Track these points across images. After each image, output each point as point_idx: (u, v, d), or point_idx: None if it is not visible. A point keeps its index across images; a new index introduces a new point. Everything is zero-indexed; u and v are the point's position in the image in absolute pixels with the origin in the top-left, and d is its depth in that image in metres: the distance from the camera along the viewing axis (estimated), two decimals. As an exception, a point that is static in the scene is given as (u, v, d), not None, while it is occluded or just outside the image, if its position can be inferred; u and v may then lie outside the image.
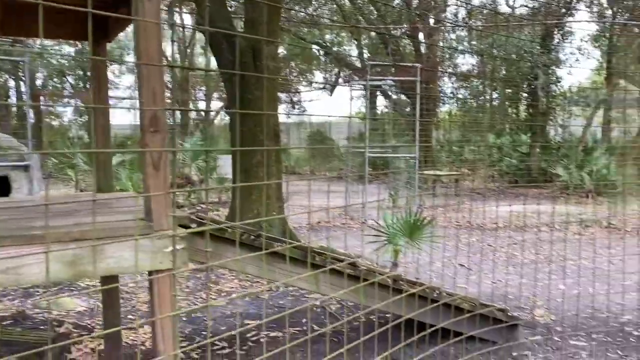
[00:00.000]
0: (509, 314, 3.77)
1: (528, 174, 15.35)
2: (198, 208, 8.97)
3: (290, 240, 3.06)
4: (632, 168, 13.04)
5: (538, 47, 16.26)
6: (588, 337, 3.95)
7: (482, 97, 22.00)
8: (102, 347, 3.61)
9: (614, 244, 6.95)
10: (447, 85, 21.26)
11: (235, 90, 6.18)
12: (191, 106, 21.63)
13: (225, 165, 12.73)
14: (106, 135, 3.47)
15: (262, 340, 3.92)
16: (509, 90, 19.86)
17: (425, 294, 3.23)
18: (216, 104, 24.00)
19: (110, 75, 22.03)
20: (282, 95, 22.31)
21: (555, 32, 16.90)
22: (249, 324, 4.37)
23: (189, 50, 21.94)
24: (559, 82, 17.46)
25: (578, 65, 17.62)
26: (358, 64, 20.62)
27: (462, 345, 3.51)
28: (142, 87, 1.95)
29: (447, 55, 21.10)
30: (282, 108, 24.12)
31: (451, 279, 5.33)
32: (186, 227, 2.53)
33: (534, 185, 14.84)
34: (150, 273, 2.03)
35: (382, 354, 2.84)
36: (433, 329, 3.08)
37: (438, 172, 14.38)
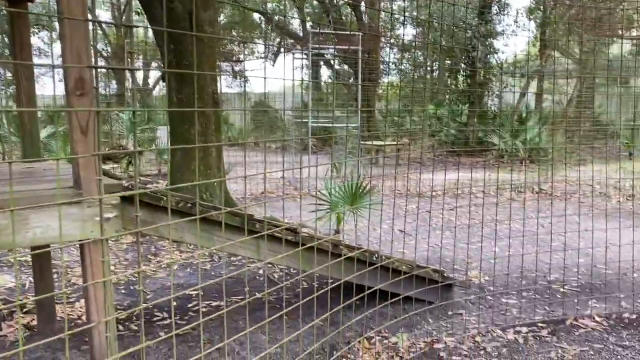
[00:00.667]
0: (444, 274, 3.91)
1: (466, 143, 15.84)
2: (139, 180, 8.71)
3: (227, 208, 3.03)
4: (562, 136, 13.68)
5: (476, 19, 16.60)
6: (518, 295, 4.17)
7: (423, 68, 22.32)
8: (35, 322, 3.49)
9: (544, 208, 7.31)
10: (389, 55, 21.42)
11: (171, 56, 5.97)
12: (128, 77, 20.79)
13: (164, 136, 12.39)
14: (32, 101, 3.29)
15: (203, 310, 3.90)
16: (449, 61, 20.28)
17: (364, 258, 3.29)
18: (156, 74, 23.21)
19: (39, 43, 20.80)
20: (223, 65, 21.81)
21: (493, 4, 17.30)
22: (190, 294, 4.33)
23: (124, 17, 20.99)
24: (496, 53, 17.99)
25: (514, 37, 18.14)
26: (300, 33, 20.40)
27: (400, 306, 3.63)
28: (66, 48, 1.84)
29: (389, 26, 21.19)
30: (223, 79, 23.62)
31: (391, 244, 5.47)
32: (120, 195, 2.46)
33: (471, 150, 15.31)
34: (81, 242, 1.96)
35: (322, 317, 2.89)
36: (371, 290, 3.16)
37: (380, 142, 14.59)
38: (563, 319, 3.61)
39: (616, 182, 9.01)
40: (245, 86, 23.88)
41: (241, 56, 22.36)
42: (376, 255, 3.39)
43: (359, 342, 3.26)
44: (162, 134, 12.47)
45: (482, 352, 3.10)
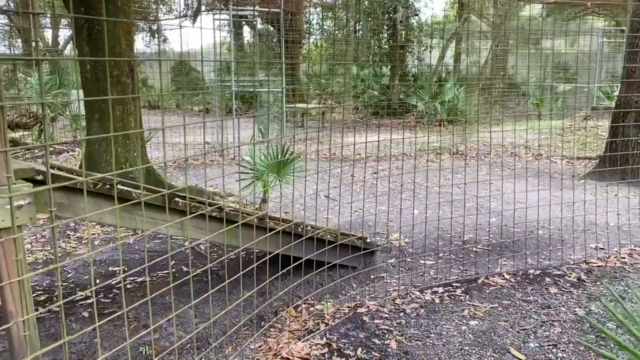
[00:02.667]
0: (367, 241, 4.07)
1: (389, 105, 16.17)
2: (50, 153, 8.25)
3: (148, 187, 2.96)
4: (478, 98, 14.28)
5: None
6: (435, 256, 4.42)
7: (346, 29, 22.32)
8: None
9: (461, 169, 7.68)
10: (313, 16, 21.22)
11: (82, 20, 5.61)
12: (33, 36, 19.23)
13: (77, 102, 11.73)
14: None
15: (128, 286, 3.85)
16: (371, 23, 20.38)
17: (290, 230, 3.36)
18: (66, 33, 21.66)
19: None
20: (140, 24, 20.72)
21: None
22: (113, 270, 4.25)
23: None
24: (417, 15, 18.29)
25: None
26: (221, -8, 19.65)
27: (326, 274, 3.76)
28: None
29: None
30: (140, 38, 22.49)
31: (317, 210, 5.58)
32: (32, 180, 2.35)
33: (393, 113, 15.67)
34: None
35: (250, 291, 2.94)
36: (297, 262, 3.25)
37: (306, 105, 14.59)
38: (476, 277, 3.89)
39: (527, 141, 9.60)
40: (164, 46, 22.84)
41: (158, 14, 21.30)
42: (302, 227, 3.47)
43: (287, 311, 3.36)
44: (76, 98, 11.79)
45: (402, 314, 3.30)
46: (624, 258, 4.09)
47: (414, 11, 17.95)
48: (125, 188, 2.84)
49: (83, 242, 4.90)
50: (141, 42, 22.23)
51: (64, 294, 3.74)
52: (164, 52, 22.84)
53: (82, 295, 3.68)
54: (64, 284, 3.96)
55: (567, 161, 8.32)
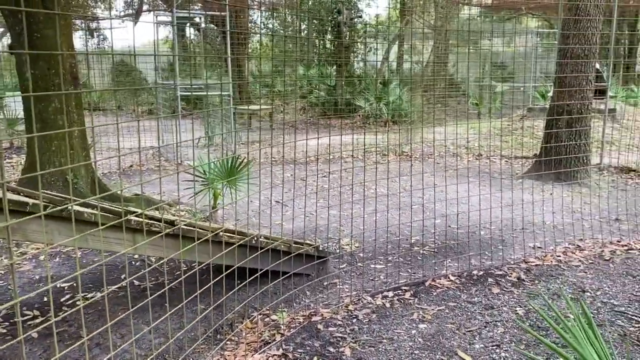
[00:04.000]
0: (320, 249, 4.16)
1: (335, 106, 16.37)
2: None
3: (102, 205, 2.94)
4: (421, 98, 14.69)
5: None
6: (385, 260, 4.57)
7: (291, 29, 22.38)
8: None
9: (406, 171, 7.92)
10: (257, 15, 21.14)
11: (20, 26, 5.41)
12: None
13: (12, 105, 11.25)
14: None
15: (78, 303, 3.78)
16: (316, 22, 20.52)
17: (244, 242, 3.40)
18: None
19: None
20: (78, 22, 19.99)
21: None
22: (62, 286, 4.15)
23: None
24: (360, 16, 18.58)
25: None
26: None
27: (280, 283, 3.83)
28: None
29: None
30: (78, 36, 21.71)
31: (269, 216, 5.63)
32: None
33: (340, 113, 15.87)
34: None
35: (206, 304, 2.97)
36: (253, 277, 3.30)
37: (253, 107, 14.56)
38: (423, 280, 4.06)
39: (469, 141, 9.98)
40: (105, 46, 22.16)
41: (98, 13, 20.65)
42: (255, 239, 3.52)
43: (244, 324, 3.40)
44: (11, 102, 11.30)
45: (354, 320, 3.41)
46: (559, 256, 4.38)
47: (357, 12, 18.24)
48: (77, 209, 2.80)
49: (28, 258, 4.75)
50: (79, 41, 21.46)
51: (9, 314, 3.64)
52: (103, 51, 22.14)
53: (29, 315, 3.59)
54: (9, 300, 3.85)
55: (506, 161, 8.73)
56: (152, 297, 2.45)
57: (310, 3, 19.96)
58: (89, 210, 2.86)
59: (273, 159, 9.42)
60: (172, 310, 3.04)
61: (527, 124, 10.98)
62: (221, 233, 3.25)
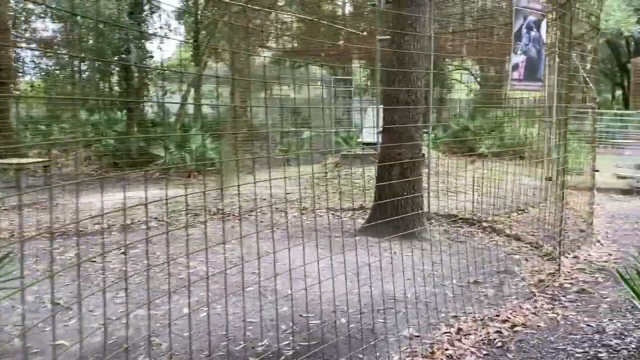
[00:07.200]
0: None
1: (128, 155, 14.30)
2: None
3: None
4: (227, 145, 13.60)
5: (128, 18, 15.19)
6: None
7: (70, 69, 19.64)
8: None
9: (228, 236, 6.61)
10: (26, 52, 18.06)
11: None
12: None
13: None
14: None
15: None
16: (100, 63, 18.24)
17: None
18: None
19: None
20: None
21: (145, 3, 16.15)
22: None
23: None
24: (152, 57, 16.93)
25: (167, 41, 17.48)
26: None
27: None
28: None
29: (23, 18, 17.89)
30: None
31: (42, 331, 3.83)
32: None
33: (134, 164, 13.92)
34: None
35: None
36: None
37: (22, 160, 11.75)
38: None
39: (288, 194, 9.09)
40: None
41: None
42: None
43: None
44: None
45: None
46: (447, 350, 3.51)
47: (147, 52, 16.57)
48: None
49: None
50: None
51: None
52: None
53: None
54: None
55: (333, 213, 8.02)
56: None
57: (91, 42, 17.69)
58: None
59: (50, 232, 7.26)
60: None
61: (343, 172, 10.59)
62: None
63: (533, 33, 4.09)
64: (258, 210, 8.36)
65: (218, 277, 4.87)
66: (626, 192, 9.59)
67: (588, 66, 6.87)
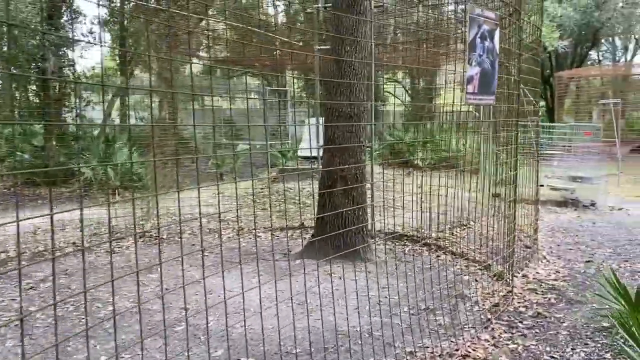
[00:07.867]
0: None
1: (46, 171, 13.12)
2: None
3: None
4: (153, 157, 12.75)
5: (45, 24, 14.06)
6: None
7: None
8: None
9: (155, 261, 5.96)
10: None
11: None
12: None
13: None
14: None
15: None
16: (15, 71, 16.82)
17: None
18: None
19: None
20: None
21: (64, 10, 15.04)
22: None
23: None
24: (72, 65, 15.80)
25: (91, 49, 16.39)
26: None
27: None
28: None
29: None
30: None
31: None
32: None
33: (54, 180, 12.80)
34: None
35: None
36: None
37: None
38: None
39: (221, 210, 8.49)
40: None
41: None
42: None
43: None
44: None
45: None
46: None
47: (67, 61, 15.42)
48: None
49: None
50: None
51: None
52: None
53: None
54: None
55: (271, 233, 7.52)
56: None
57: (4, 49, 16.28)
58: None
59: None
60: None
61: (280, 187, 10.11)
62: None
63: (487, 43, 3.85)
64: (188, 232, 7.72)
65: (144, 314, 4.26)
66: (561, 204, 9.71)
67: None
